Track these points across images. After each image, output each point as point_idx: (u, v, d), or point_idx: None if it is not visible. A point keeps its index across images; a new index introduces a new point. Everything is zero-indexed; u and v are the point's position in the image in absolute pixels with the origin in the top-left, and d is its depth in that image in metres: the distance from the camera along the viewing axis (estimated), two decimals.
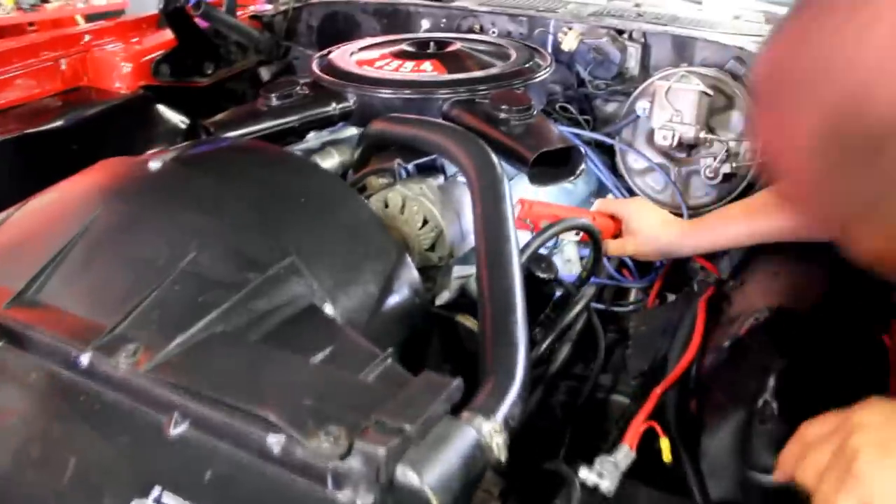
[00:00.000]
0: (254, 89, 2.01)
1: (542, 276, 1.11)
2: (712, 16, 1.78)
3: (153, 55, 1.80)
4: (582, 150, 1.20)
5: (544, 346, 1.04)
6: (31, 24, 5.05)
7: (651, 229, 1.30)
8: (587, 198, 1.58)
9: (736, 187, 1.50)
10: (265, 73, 2.01)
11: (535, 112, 1.26)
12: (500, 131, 1.21)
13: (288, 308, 0.83)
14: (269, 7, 2.08)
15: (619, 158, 1.62)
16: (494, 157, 1.10)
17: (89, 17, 5.15)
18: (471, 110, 1.28)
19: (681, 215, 1.51)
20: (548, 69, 1.43)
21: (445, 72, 1.39)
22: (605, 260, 1.43)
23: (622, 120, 1.59)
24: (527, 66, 1.42)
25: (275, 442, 0.62)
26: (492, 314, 0.87)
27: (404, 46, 1.52)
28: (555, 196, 1.47)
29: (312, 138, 1.42)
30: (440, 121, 1.23)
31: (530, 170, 1.16)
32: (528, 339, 0.84)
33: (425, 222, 1.16)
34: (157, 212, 0.90)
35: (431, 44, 1.54)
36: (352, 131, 1.44)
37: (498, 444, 0.67)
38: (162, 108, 1.76)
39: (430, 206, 1.15)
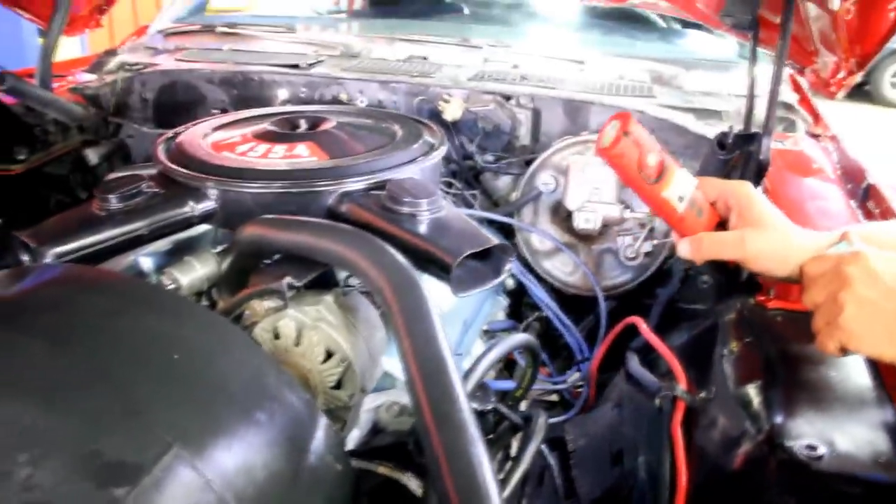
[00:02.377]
0: (80, 173, 1.70)
1: (481, 408, 0.91)
2: (596, 76, 1.66)
3: None
4: (510, 245, 1.00)
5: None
6: None
7: (784, 223, 0.92)
8: (491, 292, 1.39)
9: (652, 264, 1.37)
10: (93, 156, 1.71)
11: (442, 201, 1.06)
12: (407, 230, 1.00)
13: None
14: (92, 78, 1.78)
15: (519, 240, 1.45)
16: (412, 269, 0.89)
17: None
18: (365, 205, 1.05)
19: (594, 299, 1.37)
20: (442, 145, 1.24)
21: (327, 156, 1.16)
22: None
23: (521, 196, 1.43)
24: (420, 143, 1.21)
25: None
26: (455, 490, 0.67)
27: (269, 126, 1.27)
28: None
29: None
30: (332, 223, 0.99)
31: (451, 276, 0.95)
32: None
33: (329, 355, 0.93)
34: None
35: (302, 121, 1.31)
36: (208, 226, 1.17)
37: None
38: None
39: (334, 333, 0.92)
